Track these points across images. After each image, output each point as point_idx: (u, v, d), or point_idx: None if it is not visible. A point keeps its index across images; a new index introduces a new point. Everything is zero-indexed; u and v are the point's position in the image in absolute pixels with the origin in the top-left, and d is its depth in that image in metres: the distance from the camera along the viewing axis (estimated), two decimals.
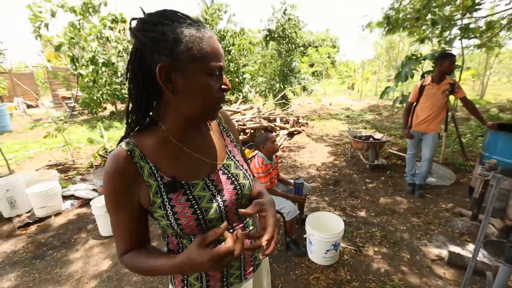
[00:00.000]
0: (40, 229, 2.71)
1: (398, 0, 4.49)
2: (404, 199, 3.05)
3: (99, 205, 2.46)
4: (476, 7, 3.68)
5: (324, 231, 2.03)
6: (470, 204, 1.47)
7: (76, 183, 3.67)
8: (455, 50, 4.52)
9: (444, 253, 2.12)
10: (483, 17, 4.29)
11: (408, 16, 4.40)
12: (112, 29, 7.78)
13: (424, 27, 4.39)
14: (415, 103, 3.04)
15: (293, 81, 8.91)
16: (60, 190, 3.07)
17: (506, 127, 2.73)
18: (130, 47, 8.37)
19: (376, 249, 2.24)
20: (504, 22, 4.40)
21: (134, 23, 0.55)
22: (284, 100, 8.30)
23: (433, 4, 3.94)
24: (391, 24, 4.45)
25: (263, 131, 5.59)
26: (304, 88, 10.37)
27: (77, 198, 3.30)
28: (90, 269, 2.12)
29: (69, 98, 10.27)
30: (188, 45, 0.52)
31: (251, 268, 0.76)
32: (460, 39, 3.88)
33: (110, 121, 8.29)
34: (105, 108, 9.57)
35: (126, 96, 9.13)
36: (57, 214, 2.95)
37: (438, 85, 2.85)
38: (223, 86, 0.60)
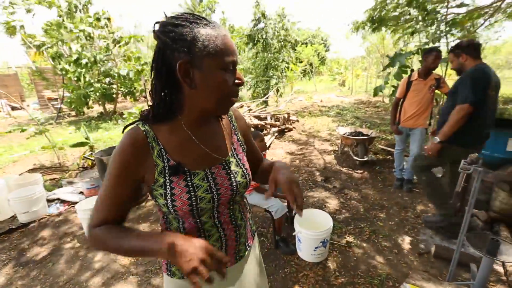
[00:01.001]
0: (24, 235, 2.63)
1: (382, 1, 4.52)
2: (393, 194, 3.09)
3: (84, 209, 2.40)
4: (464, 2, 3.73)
5: (313, 228, 2.03)
6: (453, 197, 1.49)
7: (62, 186, 3.58)
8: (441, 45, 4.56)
9: (431, 246, 2.15)
10: (465, 13, 4.36)
11: (392, 14, 4.44)
12: (93, 27, 7.59)
13: (412, 22, 4.42)
14: (402, 99, 3.07)
15: (274, 76, 8.83)
16: (44, 194, 2.98)
17: None
18: (122, 43, 8.21)
19: (365, 244, 2.25)
20: (484, 18, 4.49)
21: (157, 26, 0.61)
22: (267, 98, 8.31)
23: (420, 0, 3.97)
24: (375, 22, 4.47)
25: (253, 129, 5.57)
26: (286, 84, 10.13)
27: (63, 201, 3.22)
28: (76, 274, 2.07)
29: (56, 99, 10.02)
30: (204, 43, 0.58)
31: (233, 259, 0.81)
32: (445, 35, 3.92)
33: (98, 122, 8.12)
34: (93, 108, 9.38)
35: (115, 96, 8.96)
36: (42, 218, 2.87)
37: (425, 80, 2.87)
38: (236, 81, 0.65)
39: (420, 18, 4.16)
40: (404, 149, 3.22)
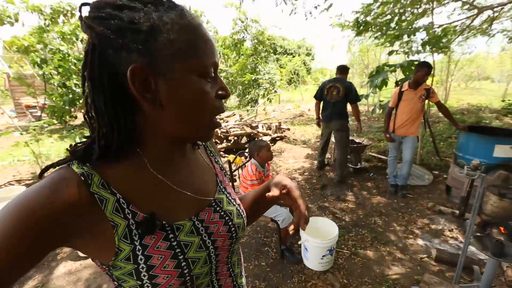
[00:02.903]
0: None
1: (367, 5, 4.75)
2: (388, 200, 3.17)
3: None
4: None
5: (318, 236, 2.04)
6: (459, 202, 1.58)
7: None
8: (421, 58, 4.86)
9: (431, 250, 2.22)
10: (440, 25, 4.68)
11: (378, 20, 4.68)
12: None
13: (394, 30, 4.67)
14: (395, 108, 3.21)
15: (263, 85, 8.94)
16: None
17: (476, 129, 2.97)
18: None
19: (368, 250, 2.29)
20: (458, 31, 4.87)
21: (86, 10, 0.39)
22: (258, 106, 8.40)
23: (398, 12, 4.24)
24: (360, 26, 4.68)
25: (245, 137, 5.57)
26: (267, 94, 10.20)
27: None
28: None
29: (34, 107, 9.54)
30: (170, 36, 0.38)
31: None
32: (431, 48, 4.18)
33: (83, 131, 7.79)
34: (76, 117, 9.00)
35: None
36: None
37: (415, 91, 3.03)
38: (220, 92, 0.45)
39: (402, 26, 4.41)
40: (397, 156, 3.34)
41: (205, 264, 0.48)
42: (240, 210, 0.58)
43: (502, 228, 2.34)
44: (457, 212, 2.63)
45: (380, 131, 6.31)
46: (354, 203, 3.13)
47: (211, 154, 0.63)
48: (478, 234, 2.34)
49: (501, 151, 2.56)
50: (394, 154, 3.32)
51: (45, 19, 7.49)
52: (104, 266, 0.44)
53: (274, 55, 10.08)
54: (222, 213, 0.54)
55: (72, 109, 8.50)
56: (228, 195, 0.58)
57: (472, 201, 2.24)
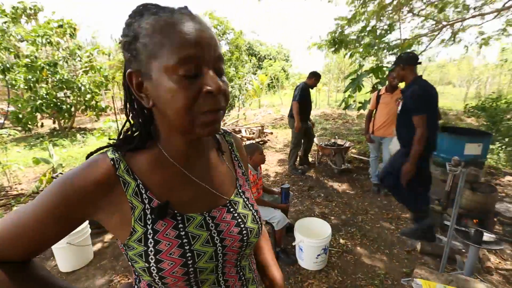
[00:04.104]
0: None
1: (341, 26, 5.04)
2: (372, 198, 3.32)
3: None
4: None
5: (312, 236, 2.08)
6: (442, 197, 1.71)
7: None
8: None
9: (415, 243, 2.35)
10: (405, 39, 5.08)
11: (350, 38, 4.98)
12: (54, 34, 7.00)
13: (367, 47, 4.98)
14: (374, 111, 3.39)
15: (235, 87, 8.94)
16: None
17: (447, 129, 3.22)
18: (83, 51, 7.61)
19: (358, 247, 2.37)
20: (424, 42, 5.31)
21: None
22: (237, 112, 8.45)
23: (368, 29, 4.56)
24: (335, 44, 4.95)
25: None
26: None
27: None
28: None
29: None
30: (145, 40, 0.42)
31: None
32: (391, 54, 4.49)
33: (52, 139, 7.29)
34: (42, 125, 8.40)
35: (73, 109, 8.20)
36: None
37: (391, 94, 3.23)
38: (205, 88, 0.42)
39: (372, 42, 4.73)
40: (378, 156, 3.52)
41: (210, 260, 0.49)
42: (257, 217, 0.59)
43: (475, 220, 2.56)
44: (435, 207, 2.81)
45: (359, 133, 6.61)
46: (341, 202, 3.23)
47: (235, 158, 0.64)
48: (456, 226, 2.53)
49: (470, 149, 2.80)
50: (375, 154, 3.49)
51: (9, 19, 6.97)
52: (122, 246, 0.49)
53: (251, 61, 10.13)
54: (235, 215, 0.55)
55: (39, 116, 7.95)
56: (245, 199, 0.59)
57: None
